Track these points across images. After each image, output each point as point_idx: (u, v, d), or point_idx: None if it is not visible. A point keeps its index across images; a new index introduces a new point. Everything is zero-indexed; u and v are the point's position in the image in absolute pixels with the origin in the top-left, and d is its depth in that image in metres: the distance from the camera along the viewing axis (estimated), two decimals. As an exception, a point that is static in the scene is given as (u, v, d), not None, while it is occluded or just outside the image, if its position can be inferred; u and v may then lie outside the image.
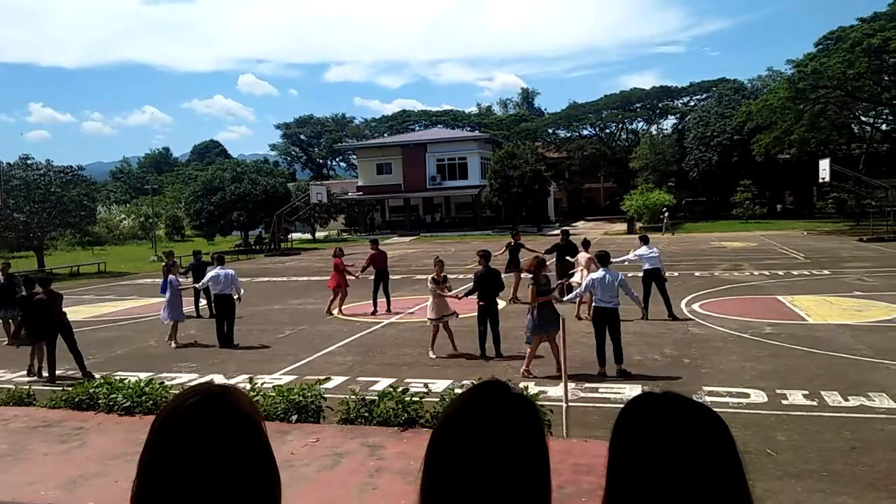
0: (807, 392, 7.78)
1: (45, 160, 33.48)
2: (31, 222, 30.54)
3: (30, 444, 6.77)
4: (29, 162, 32.84)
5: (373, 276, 15.36)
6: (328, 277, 15.88)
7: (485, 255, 10.63)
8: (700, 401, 1.15)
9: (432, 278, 10.83)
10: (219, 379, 9.64)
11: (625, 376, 8.82)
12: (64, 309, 10.53)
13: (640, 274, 13.28)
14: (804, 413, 7.13)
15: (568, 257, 14.71)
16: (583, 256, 13.59)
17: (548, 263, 10.69)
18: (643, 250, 13.17)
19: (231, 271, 12.52)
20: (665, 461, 1.06)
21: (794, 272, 19.45)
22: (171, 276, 13.03)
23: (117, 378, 8.28)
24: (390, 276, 15.98)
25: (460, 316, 11.18)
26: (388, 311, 14.83)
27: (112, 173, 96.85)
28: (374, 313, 14.80)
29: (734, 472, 1.08)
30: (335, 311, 15.12)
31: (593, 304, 9.58)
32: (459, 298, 11.08)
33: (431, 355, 10.53)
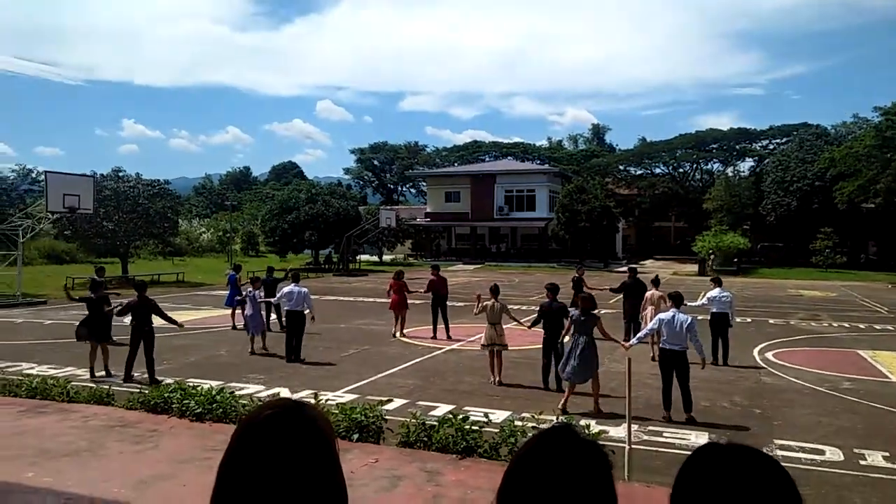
0: (888, 454, 7.35)
1: (134, 173, 35.53)
2: (118, 231, 32.23)
3: (106, 441, 7.12)
4: (120, 174, 34.88)
5: (430, 301, 15.54)
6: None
7: (552, 289, 10.66)
8: (768, 453, 1.15)
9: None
10: (284, 392, 9.91)
11: (693, 424, 8.55)
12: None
13: (708, 317, 12.91)
14: (884, 476, 6.73)
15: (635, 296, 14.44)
16: (652, 294, 13.32)
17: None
18: (715, 293, 12.82)
19: (304, 289, 12.91)
20: None
21: (877, 326, 18.47)
22: (255, 291, 13.66)
23: (190, 385, 8.63)
24: (453, 303, 16.11)
25: (526, 347, 11.20)
26: (448, 337, 14.91)
27: (195, 188, 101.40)
28: (433, 338, 14.93)
29: None
30: (398, 334, 15.32)
31: (660, 345, 9.32)
32: (528, 328, 11.20)
33: (492, 380, 10.68)
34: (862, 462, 7.13)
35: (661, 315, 9.20)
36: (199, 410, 7.68)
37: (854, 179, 39.25)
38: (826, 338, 16.35)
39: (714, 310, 12.67)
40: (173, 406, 7.93)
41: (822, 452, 7.42)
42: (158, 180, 36.48)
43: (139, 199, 32.75)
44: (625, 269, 20.10)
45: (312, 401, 7.86)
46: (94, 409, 8.38)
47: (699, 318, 12.90)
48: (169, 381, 9.92)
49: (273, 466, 1.14)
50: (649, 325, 9.77)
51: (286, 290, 13.05)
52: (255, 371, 11.60)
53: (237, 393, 8.72)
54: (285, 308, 12.95)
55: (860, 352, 14.08)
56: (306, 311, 12.81)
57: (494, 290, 11.23)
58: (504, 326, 11.09)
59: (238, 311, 15.58)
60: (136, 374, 10.72)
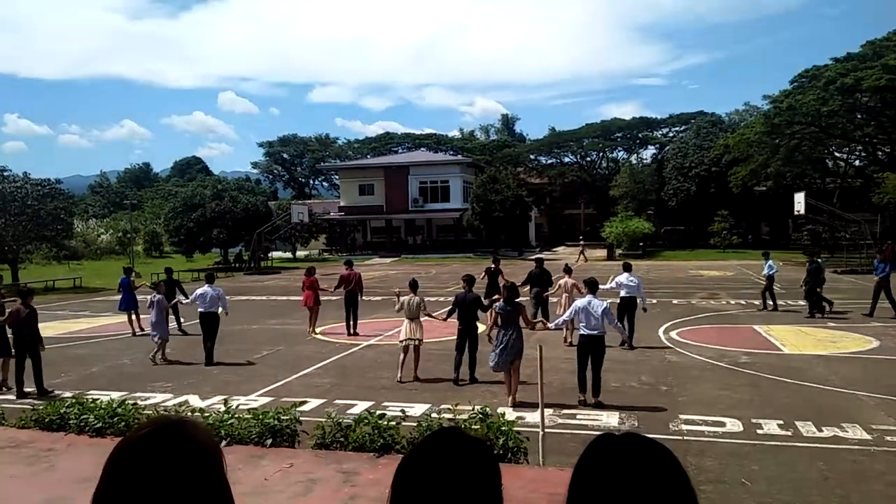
0: (781, 422, 7.85)
1: (21, 172, 33.10)
2: (5, 235, 30.01)
3: (-4, 464, 6.59)
4: (5, 174, 32.39)
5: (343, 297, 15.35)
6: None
7: (468, 280, 10.73)
8: (660, 442, 1.17)
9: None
10: (194, 399, 9.50)
11: (600, 408, 8.80)
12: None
13: (618, 301, 13.36)
14: (779, 443, 7.19)
15: (540, 286, 14.73)
16: (566, 282, 13.61)
17: (521, 291, 10.76)
18: (623, 278, 13.27)
19: (219, 290, 12.50)
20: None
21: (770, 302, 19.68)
22: (157, 296, 12.98)
23: (89, 398, 8.11)
24: (370, 298, 15.95)
25: (444, 340, 11.22)
26: (355, 333, 14.71)
27: (90, 187, 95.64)
28: (349, 335, 14.73)
29: None
30: (314, 332, 15.02)
31: (578, 331, 9.50)
32: (443, 320, 11.22)
33: (399, 377, 10.45)
34: (759, 431, 7.58)
35: (578, 302, 9.39)
36: (98, 425, 7.21)
37: (746, 164, 41.77)
38: (725, 315, 17.32)
39: (623, 293, 13.12)
40: (70, 422, 7.41)
41: (723, 424, 7.84)
42: (49, 179, 34.04)
43: (27, 200, 30.59)
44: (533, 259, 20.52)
45: (223, 407, 7.57)
46: (-19, 430, 7.74)
47: (608, 300, 13.37)
48: (67, 394, 9.33)
49: (149, 490, 1.05)
50: (566, 314, 9.94)
51: (199, 291, 12.56)
52: (161, 379, 11.06)
53: (141, 404, 8.28)
54: (199, 310, 12.44)
55: (756, 327, 14.99)
56: (220, 311, 12.39)
57: (413, 285, 11.17)
58: (421, 320, 11.06)
59: (144, 317, 14.83)
60: (29, 390, 10.01)
